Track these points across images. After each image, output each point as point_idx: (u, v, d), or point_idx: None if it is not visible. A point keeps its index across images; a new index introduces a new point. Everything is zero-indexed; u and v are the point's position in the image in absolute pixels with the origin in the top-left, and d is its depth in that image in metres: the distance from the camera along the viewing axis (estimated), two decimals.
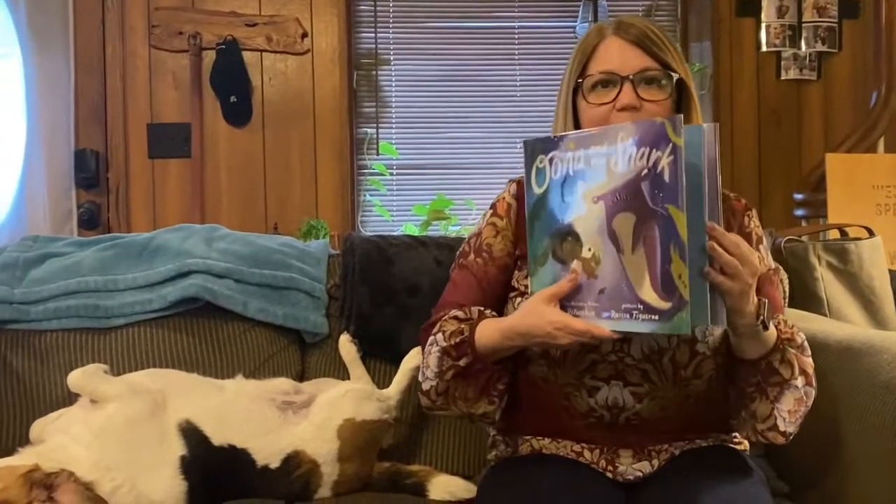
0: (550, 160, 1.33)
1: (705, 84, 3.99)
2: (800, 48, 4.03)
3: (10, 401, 1.85)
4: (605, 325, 1.25)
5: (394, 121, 4.07)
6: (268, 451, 1.65)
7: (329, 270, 2.07)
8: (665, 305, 1.18)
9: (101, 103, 3.77)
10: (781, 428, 1.37)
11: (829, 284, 2.14)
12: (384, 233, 3.41)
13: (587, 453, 1.46)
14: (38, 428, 1.67)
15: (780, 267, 2.04)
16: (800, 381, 1.36)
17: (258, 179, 3.84)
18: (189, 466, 1.56)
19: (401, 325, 1.94)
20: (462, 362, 1.40)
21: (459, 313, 1.46)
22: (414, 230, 3.76)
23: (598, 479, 1.42)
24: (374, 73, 4.04)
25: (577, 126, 1.50)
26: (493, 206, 1.59)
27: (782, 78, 4.04)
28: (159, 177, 3.81)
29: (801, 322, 1.86)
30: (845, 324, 2.02)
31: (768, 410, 1.37)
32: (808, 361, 1.39)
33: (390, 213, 4.01)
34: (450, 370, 1.41)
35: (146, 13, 3.79)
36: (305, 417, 1.71)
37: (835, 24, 4.04)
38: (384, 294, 1.97)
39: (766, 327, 1.30)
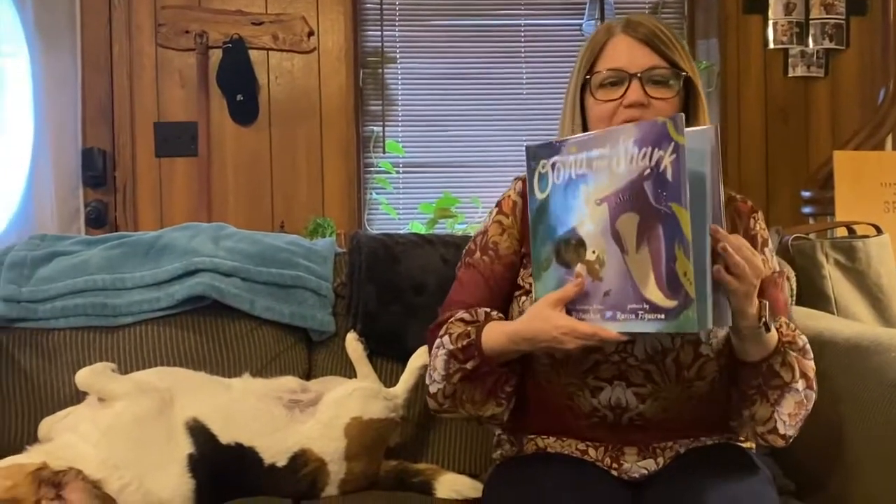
0: (553, 165, 1.33)
1: (712, 81, 3.98)
2: (807, 45, 4.01)
3: (19, 399, 1.86)
4: (612, 327, 1.25)
5: (400, 119, 4.07)
6: (275, 450, 1.65)
7: (336, 269, 2.07)
8: (671, 304, 1.18)
9: (108, 102, 3.77)
10: (781, 431, 1.37)
11: (836, 282, 2.14)
12: (390, 231, 3.42)
13: (592, 451, 1.46)
14: (46, 426, 1.68)
15: (787, 266, 2.04)
16: (800, 385, 1.36)
17: (265, 178, 3.85)
18: (196, 464, 1.56)
19: (407, 324, 1.94)
20: (469, 365, 1.40)
21: (466, 315, 1.46)
22: (420, 228, 3.76)
23: (604, 477, 1.42)
24: (380, 71, 4.03)
25: (584, 124, 1.50)
26: (498, 204, 1.59)
27: (790, 75, 4.03)
28: (166, 175, 3.82)
29: (809, 320, 1.86)
30: (853, 322, 2.02)
31: (768, 413, 1.37)
32: (810, 365, 1.39)
33: (396, 212, 4.00)
34: (457, 373, 1.41)
35: (153, 12, 3.79)
36: (312, 416, 1.71)
37: (842, 21, 4.02)
38: (391, 292, 1.97)
39: (767, 329, 1.30)
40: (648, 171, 1.20)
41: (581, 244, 1.29)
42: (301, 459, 1.66)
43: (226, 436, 1.62)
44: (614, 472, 1.44)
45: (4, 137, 3.26)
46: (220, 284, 1.92)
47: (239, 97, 3.78)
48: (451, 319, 1.46)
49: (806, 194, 3.51)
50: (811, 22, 4.01)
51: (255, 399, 1.71)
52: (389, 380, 1.92)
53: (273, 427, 1.67)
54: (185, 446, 1.57)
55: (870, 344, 1.62)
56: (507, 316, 1.51)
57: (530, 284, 1.44)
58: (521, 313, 1.48)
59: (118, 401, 1.57)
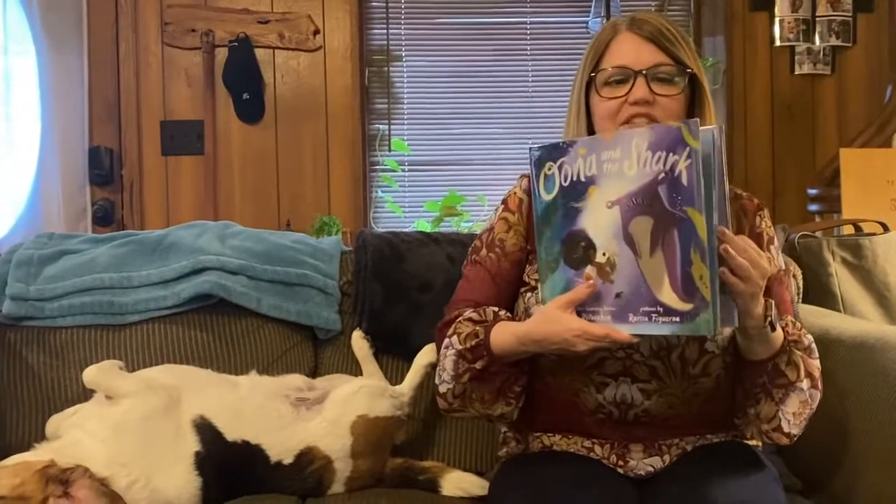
0: (560, 166, 1.32)
1: (718, 79, 3.97)
2: (814, 42, 4.00)
3: (27, 397, 1.87)
4: (624, 329, 1.25)
5: (406, 117, 4.07)
6: (281, 447, 1.65)
7: (342, 267, 2.07)
8: (686, 307, 1.19)
9: (115, 101, 3.79)
10: (786, 430, 1.37)
11: (843, 280, 2.13)
12: (396, 229, 3.42)
13: (598, 449, 1.46)
14: (53, 424, 1.68)
15: (794, 264, 2.04)
16: (805, 384, 1.36)
17: (271, 176, 3.85)
18: (203, 462, 1.56)
19: (413, 322, 1.94)
20: (478, 365, 1.40)
21: (474, 315, 1.46)
22: (426, 226, 3.76)
23: (610, 474, 1.42)
24: (385, 69, 4.04)
25: (589, 121, 1.50)
26: (504, 202, 1.59)
27: (796, 72, 4.02)
28: (172, 174, 3.83)
29: (815, 317, 1.85)
30: (859, 319, 2.02)
31: (773, 412, 1.37)
32: (815, 364, 1.39)
33: (402, 210, 4.01)
34: (466, 373, 1.41)
35: (159, 11, 3.80)
36: (319, 413, 1.71)
37: (849, 18, 4.01)
38: (397, 290, 1.97)
39: (773, 329, 1.30)
40: (663, 175, 1.20)
41: (591, 246, 1.29)
42: (307, 457, 1.66)
43: (232, 433, 1.62)
44: (620, 470, 1.44)
45: (12, 136, 3.27)
46: (227, 283, 1.92)
47: (245, 95, 3.79)
48: (460, 319, 1.46)
49: (812, 192, 3.51)
50: (818, 19, 4.00)
51: (261, 397, 1.71)
52: (395, 378, 1.93)
53: (279, 425, 1.68)
54: (192, 444, 1.58)
55: (876, 342, 1.62)
56: (512, 312, 1.51)
57: (536, 281, 1.44)
58: (526, 310, 1.48)
59: (125, 398, 1.58)
